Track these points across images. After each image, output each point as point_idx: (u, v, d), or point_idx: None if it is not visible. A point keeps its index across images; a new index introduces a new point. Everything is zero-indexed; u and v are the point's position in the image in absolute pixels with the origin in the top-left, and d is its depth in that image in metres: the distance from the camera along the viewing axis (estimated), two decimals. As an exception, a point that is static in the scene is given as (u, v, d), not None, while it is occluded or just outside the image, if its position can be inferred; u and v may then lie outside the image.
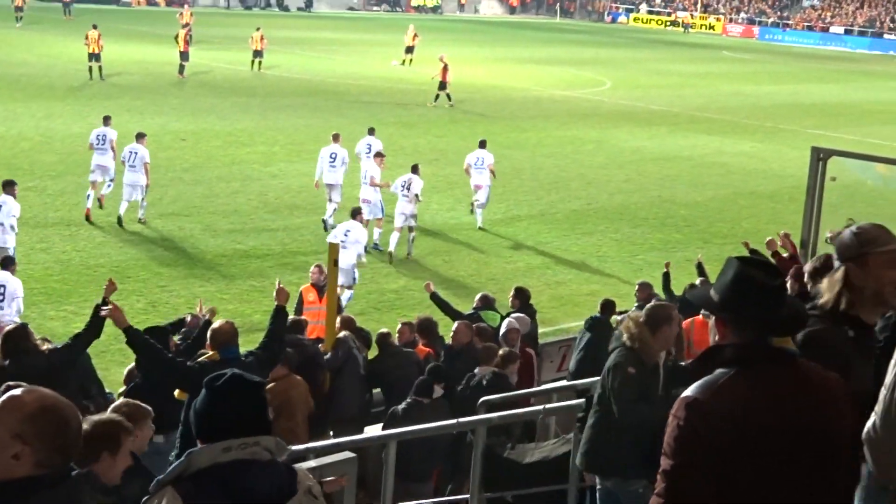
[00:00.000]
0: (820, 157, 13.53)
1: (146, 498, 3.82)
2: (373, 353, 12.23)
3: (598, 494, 7.70)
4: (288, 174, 26.79)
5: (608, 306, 13.60)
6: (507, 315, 13.27)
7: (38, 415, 3.43)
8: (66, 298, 17.06)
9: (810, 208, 13.22)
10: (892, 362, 3.91)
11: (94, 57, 39.37)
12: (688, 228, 24.58)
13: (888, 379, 3.88)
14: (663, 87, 49.72)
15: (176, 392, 8.77)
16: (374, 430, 10.33)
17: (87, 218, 21.43)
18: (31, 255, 18.74)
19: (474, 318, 13.05)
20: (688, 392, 3.72)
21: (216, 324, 9.26)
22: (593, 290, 19.20)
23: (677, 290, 14.52)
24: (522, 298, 13.98)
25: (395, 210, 21.02)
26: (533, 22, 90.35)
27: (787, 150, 34.58)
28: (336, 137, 23.12)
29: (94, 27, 39.99)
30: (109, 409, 6.12)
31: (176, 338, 11.01)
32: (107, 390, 11.06)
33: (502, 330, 12.53)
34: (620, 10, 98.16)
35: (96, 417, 5.77)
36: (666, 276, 14.92)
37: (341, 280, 17.84)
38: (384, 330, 12.47)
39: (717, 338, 3.94)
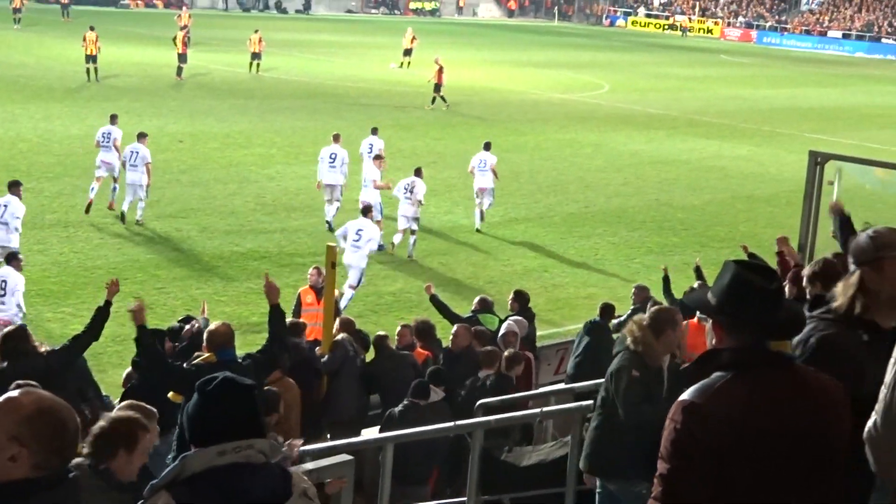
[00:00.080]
0: (817, 161, 13.55)
1: (140, 503, 3.81)
2: (370, 355, 12.23)
3: (598, 498, 7.70)
4: (285, 176, 26.79)
5: (607, 310, 13.61)
6: (506, 318, 13.28)
7: (35, 417, 3.42)
8: (64, 300, 17.05)
9: (808, 212, 13.24)
10: (892, 361, 3.90)
11: (91, 59, 39.36)
12: (685, 232, 24.59)
13: (888, 377, 3.88)
14: (661, 91, 49.76)
15: (170, 394, 8.77)
16: (371, 433, 10.33)
17: (88, 209, 21.60)
18: (28, 257, 18.63)
19: (473, 322, 13.05)
20: (685, 396, 3.72)
21: (212, 326, 9.27)
22: (590, 293, 19.21)
23: (678, 293, 14.51)
24: (521, 301, 13.99)
25: (397, 212, 21.03)
26: (531, 25, 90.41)
27: (784, 153, 34.61)
28: (336, 138, 23.15)
29: (92, 29, 39.95)
30: (116, 409, 6.12)
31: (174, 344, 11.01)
32: (104, 393, 11.04)
33: (501, 332, 12.55)
34: (618, 14, 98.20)
35: (114, 415, 5.77)
36: (666, 280, 14.92)
37: (350, 279, 17.94)
38: (381, 332, 12.47)
39: (714, 341, 3.94)
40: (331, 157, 22.57)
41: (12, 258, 14.96)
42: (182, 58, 41.83)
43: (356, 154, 23.83)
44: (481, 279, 19.96)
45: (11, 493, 3.37)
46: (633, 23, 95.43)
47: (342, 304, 17.35)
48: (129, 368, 10.63)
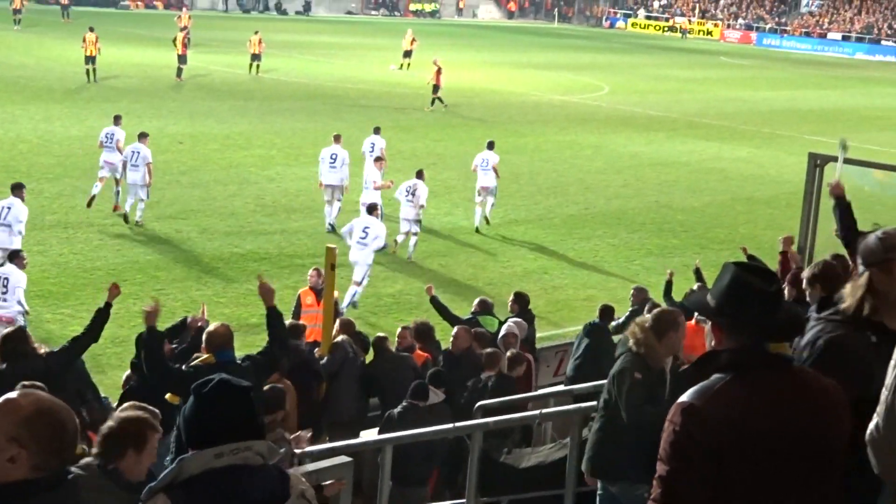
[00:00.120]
0: (817, 163, 13.55)
1: None
2: (369, 357, 12.23)
3: (598, 500, 7.69)
4: (285, 177, 26.80)
5: (607, 312, 13.61)
6: (506, 320, 13.28)
7: (34, 418, 3.42)
8: (63, 301, 17.05)
9: (808, 214, 13.24)
10: (892, 363, 3.90)
11: (90, 60, 39.37)
12: (685, 234, 24.59)
13: (889, 380, 3.88)
14: (661, 93, 49.77)
15: (167, 395, 8.77)
16: (370, 435, 10.32)
17: (90, 203, 21.88)
18: (28, 258, 18.68)
19: (472, 324, 13.05)
20: (684, 398, 3.72)
21: (211, 327, 9.28)
22: (590, 294, 19.21)
23: (677, 295, 14.50)
24: (521, 303, 13.99)
25: (398, 214, 21.02)
26: (531, 27, 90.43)
27: (784, 155, 34.62)
28: (337, 138, 23.17)
29: (91, 30, 39.98)
30: (118, 411, 6.11)
31: (172, 345, 11.01)
32: (102, 395, 11.04)
33: (501, 334, 12.55)
34: (618, 16, 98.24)
35: (123, 414, 5.76)
36: (668, 284, 14.91)
37: (355, 275, 17.97)
38: (381, 334, 12.47)
39: (713, 343, 3.94)
40: (331, 158, 22.59)
41: (15, 256, 14.98)
42: (182, 59, 41.86)
43: (356, 155, 23.85)
44: (481, 280, 19.96)
45: (11, 494, 3.37)
46: (632, 25, 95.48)
47: (345, 300, 17.45)
48: (129, 371, 10.63)
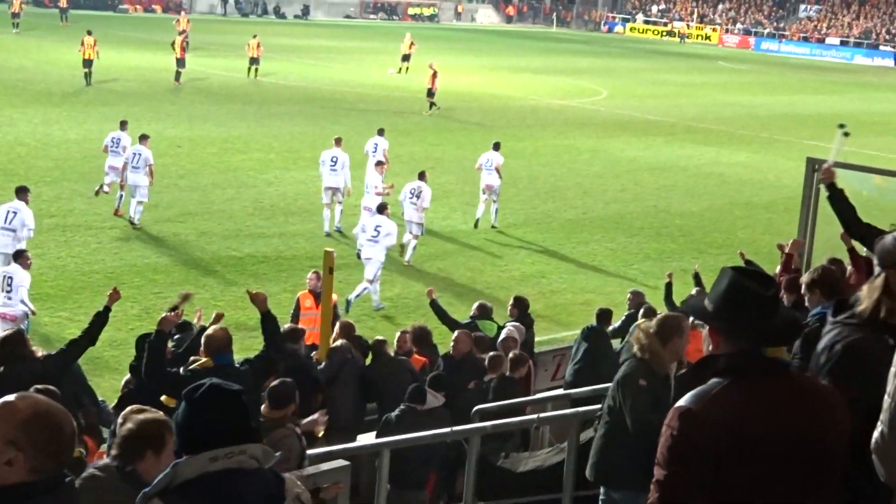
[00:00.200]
0: (815, 167, 13.53)
1: None
2: (367, 360, 12.22)
3: (600, 505, 7.68)
4: (283, 181, 26.80)
5: (604, 315, 13.61)
6: (505, 324, 13.28)
7: (31, 421, 3.42)
8: (61, 304, 17.04)
9: (806, 219, 13.24)
10: (892, 370, 3.90)
11: (88, 63, 39.38)
12: (683, 238, 24.60)
13: (890, 387, 3.87)
14: (659, 97, 49.80)
15: (163, 398, 8.76)
16: (367, 438, 10.32)
17: (98, 192, 22.62)
18: (31, 258, 18.69)
19: (471, 328, 13.05)
20: (681, 402, 3.72)
21: (210, 330, 9.28)
22: (588, 299, 19.20)
23: (676, 300, 14.50)
24: (521, 307, 13.99)
25: (403, 217, 21.03)
26: (529, 31, 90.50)
27: (782, 160, 34.63)
28: (338, 141, 23.21)
29: (89, 33, 39.99)
30: (122, 414, 6.09)
31: (169, 344, 11.00)
32: (100, 398, 11.03)
33: (500, 338, 12.56)
34: (617, 20, 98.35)
35: (142, 416, 5.73)
36: (668, 287, 14.90)
37: (367, 273, 18.07)
38: (380, 337, 12.47)
39: (711, 347, 3.94)
40: (332, 161, 22.62)
41: (19, 255, 14.99)
42: (180, 62, 41.88)
43: (356, 159, 23.86)
44: (478, 284, 19.96)
45: (8, 497, 3.37)
46: (631, 29, 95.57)
47: (355, 291, 17.76)
48: (129, 375, 10.62)
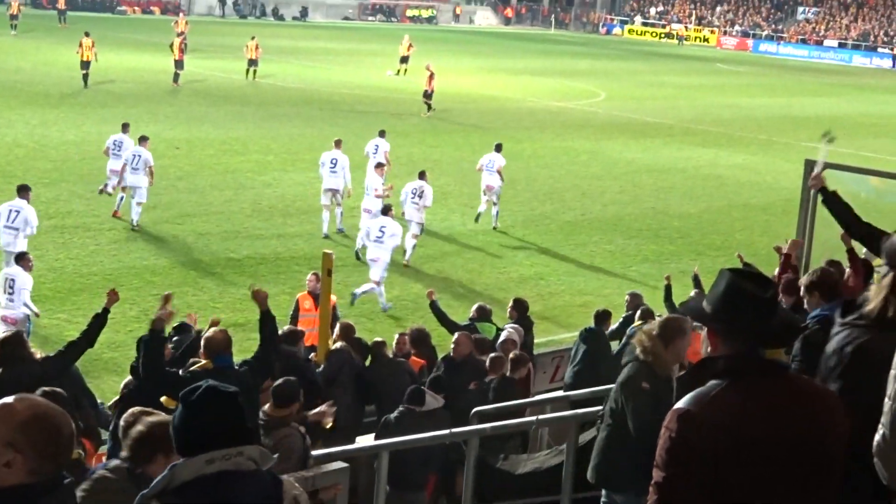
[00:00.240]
0: (812, 170, 13.52)
1: None
2: (366, 362, 12.21)
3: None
4: (282, 183, 26.80)
5: (602, 317, 13.61)
6: (504, 326, 13.28)
7: (30, 423, 3.42)
8: (60, 306, 17.03)
9: (803, 221, 13.25)
10: (892, 373, 3.90)
11: (86, 65, 39.38)
12: (681, 240, 24.61)
13: (890, 390, 3.87)
14: (658, 99, 49.83)
15: (163, 399, 8.76)
16: (366, 440, 10.31)
17: (100, 192, 22.85)
18: (34, 260, 18.68)
19: (470, 330, 13.05)
20: (680, 404, 3.73)
21: (209, 332, 9.28)
22: (586, 300, 19.20)
23: (677, 302, 14.50)
24: (520, 310, 14.00)
25: (403, 217, 21.03)
26: (528, 33, 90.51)
27: (780, 162, 34.64)
28: (338, 143, 23.23)
29: (87, 35, 39.97)
30: (126, 416, 6.08)
31: (169, 345, 11.00)
32: (99, 400, 11.02)
33: (500, 340, 12.56)
34: (615, 22, 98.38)
35: (152, 419, 5.72)
36: (668, 289, 14.91)
37: (373, 274, 18.16)
38: (379, 339, 12.47)
39: (709, 349, 3.94)
40: (332, 163, 22.64)
41: (21, 258, 15.00)
42: (179, 64, 41.86)
43: (355, 161, 23.86)
44: (477, 286, 19.97)
45: (7, 498, 3.38)
46: (629, 31, 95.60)
47: (361, 287, 18.01)
48: (129, 377, 10.61)
